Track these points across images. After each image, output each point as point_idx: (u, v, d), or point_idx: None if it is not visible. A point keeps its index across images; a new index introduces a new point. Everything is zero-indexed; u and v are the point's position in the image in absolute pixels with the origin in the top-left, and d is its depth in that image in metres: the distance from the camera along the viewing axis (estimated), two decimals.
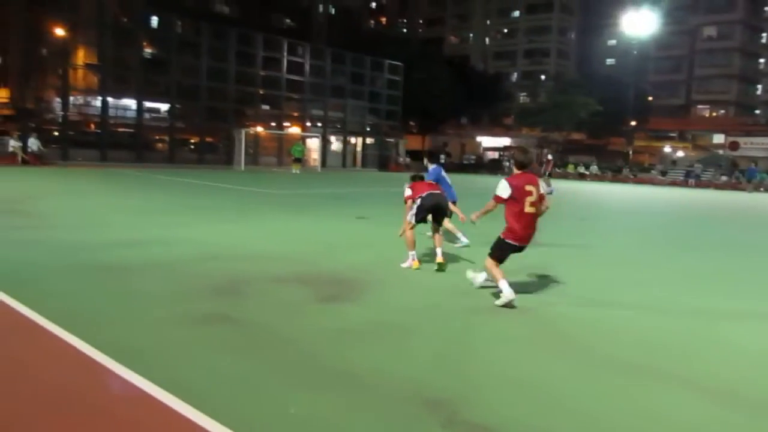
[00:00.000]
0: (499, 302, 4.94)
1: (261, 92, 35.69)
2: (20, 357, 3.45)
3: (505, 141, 58.51)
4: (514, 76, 72.48)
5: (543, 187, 5.20)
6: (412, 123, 54.51)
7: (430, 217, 6.29)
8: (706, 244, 9.10)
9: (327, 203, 12.36)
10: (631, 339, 4.17)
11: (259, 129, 35.83)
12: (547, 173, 18.16)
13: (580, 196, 20.84)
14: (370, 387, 3.18)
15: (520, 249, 5.15)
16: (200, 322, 4.15)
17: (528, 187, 5.04)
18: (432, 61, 48.97)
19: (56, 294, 4.68)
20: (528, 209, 5.03)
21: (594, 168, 44.87)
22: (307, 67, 37.87)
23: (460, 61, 59.80)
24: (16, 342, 3.69)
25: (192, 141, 35.30)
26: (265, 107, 37.13)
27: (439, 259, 6.13)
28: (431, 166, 7.82)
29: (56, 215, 8.63)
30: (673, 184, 36.56)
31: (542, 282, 5.77)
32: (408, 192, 6.22)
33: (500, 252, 5.11)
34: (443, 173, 7.76)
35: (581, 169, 43.95)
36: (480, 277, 5.44)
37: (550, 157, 21.27)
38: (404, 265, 6.16)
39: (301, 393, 3.12)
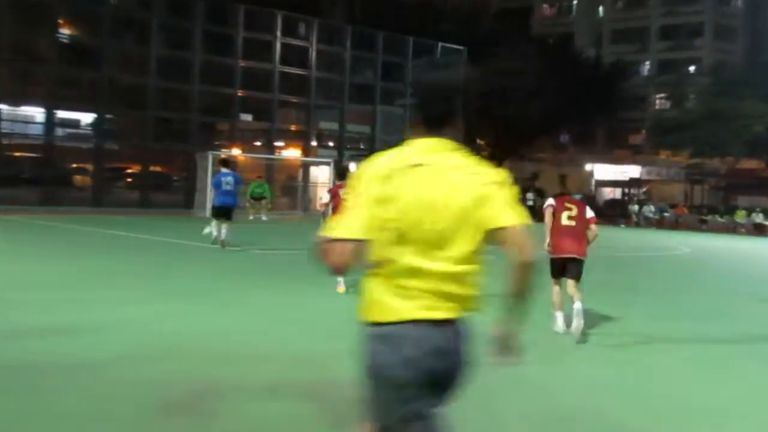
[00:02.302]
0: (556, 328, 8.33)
1: (241, 95, 36.49)
2: None
3: (631, 171, 57.81)
4: (645, 68, 72.17)
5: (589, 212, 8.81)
6: (480, 142, 55.00)
7: None
8: None
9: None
10: None
11: (237, 152, 36.36)
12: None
13: (758, 262, 22.22)
14: None
15: (566, 262, 8.60)
16: None
17: (568, 204, 8.79)
18: (512, 45, 49.55)
19: None
20: (565, 222, 8.66)
21: None
22: (313, 56, 38.65)
23: (559, 44, 60.73)
24: None
25: (131, 172, 36.28)
26: (247, 118, 37.93)
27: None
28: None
29: None
30: None
31: None
32: None
33: (551, 270, 8.67)
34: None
35: (758, 218, 42.35)
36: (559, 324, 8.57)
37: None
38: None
39: None
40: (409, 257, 2.71)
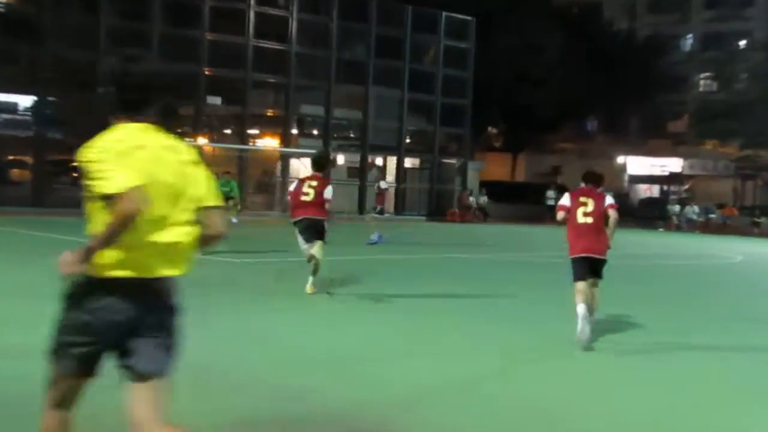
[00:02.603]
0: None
1: (207, 73, 36.54)
2: None
3: (670, 165, 57.95)
4: (687, 43, 71.85)
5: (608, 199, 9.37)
6: (493, 130, 56.08)
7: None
8: None
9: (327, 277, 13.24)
10: None
11: (203, 142, 36.60)
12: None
13: None
14: None
15: (582, 262, 9.23)
16: None
17: (582, 199, 9.35)
18: (530, 15, 49.58)
19: None
20: (581, 219, 9.28)
21: None
22: (293, 27, 38.70)
23: (584, 14, 60.92)
24: None
25: (75, 165, 36.25)
26: (215, 101, 37.96)
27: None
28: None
29: None
30: None
31: None
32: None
33: (573, 270, 9.27)
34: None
35: None
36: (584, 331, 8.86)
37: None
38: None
39: None
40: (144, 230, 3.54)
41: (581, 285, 9.11)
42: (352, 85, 40.49)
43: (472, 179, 45.87)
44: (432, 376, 7.59)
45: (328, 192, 11.97)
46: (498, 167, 54.88)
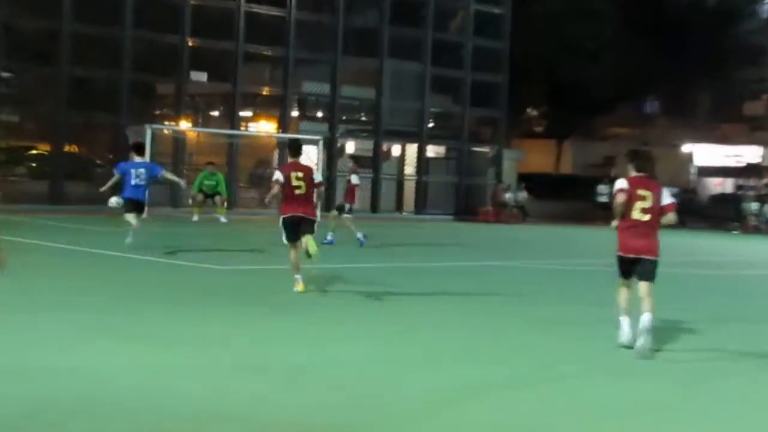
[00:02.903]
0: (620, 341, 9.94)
1: (191, 44, 36.60)
2: None
3: (747, 154, 57.81)
4: (765, 9, 70.79)
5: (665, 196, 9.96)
6: (534, 112, 55.91)
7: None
8: None
9: (341, 293, 13.96)
10: None
11: (186, 126, 36.94)
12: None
13: None
14: None
15: (632, 262, 9.95)
16: None
17: (641, 192, 9.89)
18: None
19: None
20: (637, 216, 9.91)
21: None
22: None
23: None
24: None
25: (37, 153, 36.75)
26: (200, 78, 37.76)
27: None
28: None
29: None
30: None
31: None
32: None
33: (618, 268, 10.13)
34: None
35: None
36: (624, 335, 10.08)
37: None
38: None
39: None
40: None
41: (625, 289, 10.06)
42: (363, 58, 40.51)
43: (509, 171, 45.59)
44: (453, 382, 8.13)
45: (318, 176, 13.82)
46: (539, 157, 54.40)
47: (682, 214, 48.20)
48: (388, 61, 40.42)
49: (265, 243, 21.72)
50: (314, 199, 13.64)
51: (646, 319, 9.51)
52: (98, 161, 36.81)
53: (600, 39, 48.44)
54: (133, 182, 18.50)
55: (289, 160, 13.80)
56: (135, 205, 18.55)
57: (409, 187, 42.07)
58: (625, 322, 9.95)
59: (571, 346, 10.50)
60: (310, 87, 40.16)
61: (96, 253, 18.84)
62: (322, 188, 13.99)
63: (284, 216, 13.35)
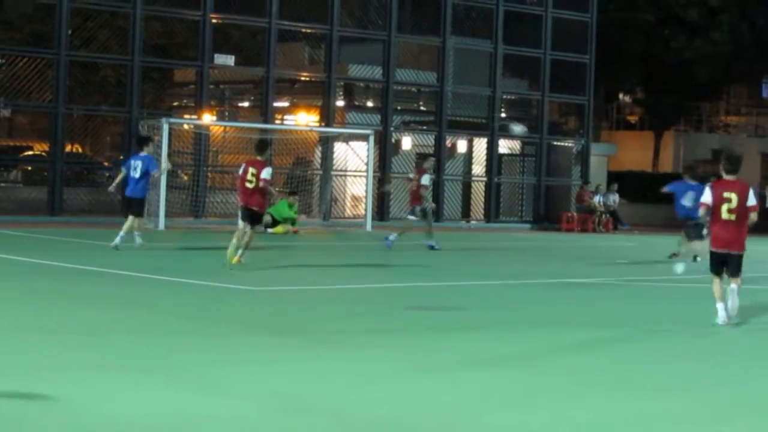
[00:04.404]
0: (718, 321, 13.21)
1: (214, 21, 35.15)
2: None
3: None
4: None
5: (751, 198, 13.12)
6: (627, 99, 54.00)
7: None
8: None
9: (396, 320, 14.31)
10: None
11: (210, 119, 35.84)
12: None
13: None
14: None
15: (725, 257, 13.03)
16: None
17: (726, 194, 12.95)
18: None
19: None
20: (725, 216, 12.95)
21: None
22: None
23: None
24: None
25: (32, 155, 36.35)
26: (226, 61, 36.29)
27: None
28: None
29: None
30: None
31: None
32: None
33: (711, 263, 13.29)
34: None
35: None
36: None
37: None
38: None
39: None
40: None
41: (718, 279, 12.92)
42: (421, 36, 39.00)
43: (598, 169, 43.84)
44: None
45: (266, 173, 18.45)
46: (635, 152, 52.76)
47: None
48: (452, 39, 38.76)
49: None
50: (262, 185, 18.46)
51: (734, 287, 12.66)
52: (105, 163, 36.41)
53: (707, 8, 46.37)
54: (131, 174, 21.11)
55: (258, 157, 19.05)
56: (129, 203, 21.47)
57: (478, 190, 40.71)
58: (720, 307, 12.75)
59: None
60: (358, 71, 38.81)
61: (110, 273, 18.73)
62: (262, 183, 18.33)
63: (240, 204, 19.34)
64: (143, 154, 21.41)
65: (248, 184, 18.18)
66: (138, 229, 21.62)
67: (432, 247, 24.98)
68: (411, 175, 27.65)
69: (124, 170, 21.50)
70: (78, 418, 7.82)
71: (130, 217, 21.04)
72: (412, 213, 25.71)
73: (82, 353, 10.85)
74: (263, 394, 8.96)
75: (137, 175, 20.91)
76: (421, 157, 31.07)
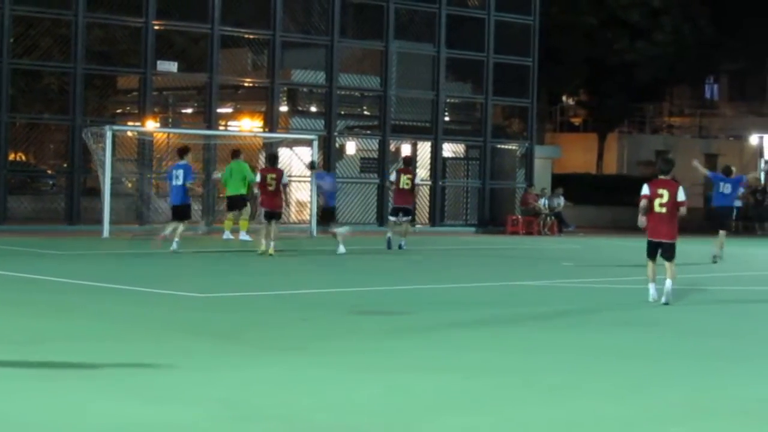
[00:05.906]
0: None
1: (157, 27, 35.46)
2: None
3: None
4: None
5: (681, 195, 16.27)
6: (571, 101, 55.06)
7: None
8: None
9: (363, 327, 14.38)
10: None
11: (153, 126, 35.98)
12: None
13: None
14: None
15: (658, 245, 16.05)
16: None
17: (660, 191, 16.06)
18: None
19: None
20: (657, 209, 16.03)
21: None
22: None
23: None
24: None
25: None
26: (169, 67, 36.57)
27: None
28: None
29: None
30: None
31: None
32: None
33: (647, 249, 16.35)
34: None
35: None
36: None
37: None
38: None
39: None
40: None
41: (652, 263, 15.78)
42: (364, 40, 39.45)
43: (542, 172, 44.19)
44: None
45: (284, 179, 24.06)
46: (579, 154, 53.38)
47: (751, 220, 45.50)
48: (395, 43, 39.18)
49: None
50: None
51: (668, 284, 15.47)
52: (49, 171, 36.52)
53: (650, 10, 47.22)
54: (173, 183, 24.00)
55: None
56: (174, 210, 24.16)
57: (422, 194, 40.67)
58: (651, 286, 15.79)
59: None
60: (302, 76, 39.10)
61: (54, 281, 18.87)
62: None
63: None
64: (182, 162, 24.18)
65: (269, 188, 22.86)
66: (178, 236, 23.58)
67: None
68: (392, 177, 28.54)
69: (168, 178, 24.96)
70: (18, 428, 7.71)
71: (177, 222, 23.62)
72: (396, 215, 27.51)
73: (23, 361, 10.70)
74: (211, 400, 9.01)
75: (179, 183, 23.65)
76: (406, 162, 30.56)
